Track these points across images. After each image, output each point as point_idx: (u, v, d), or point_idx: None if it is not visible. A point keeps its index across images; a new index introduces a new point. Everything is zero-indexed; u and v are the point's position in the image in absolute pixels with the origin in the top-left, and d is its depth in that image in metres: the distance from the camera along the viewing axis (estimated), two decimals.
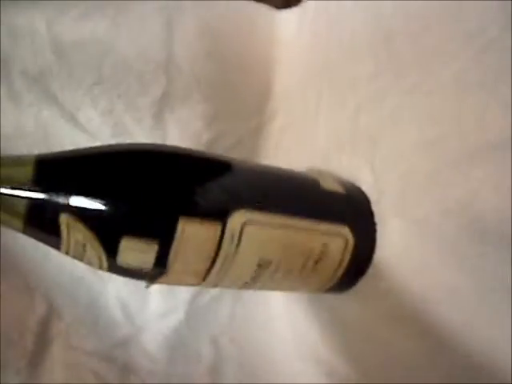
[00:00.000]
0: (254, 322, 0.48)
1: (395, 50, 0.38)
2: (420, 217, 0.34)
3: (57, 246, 0.30)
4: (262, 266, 0.33)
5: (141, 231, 0.29)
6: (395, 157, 0.37)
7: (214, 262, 0.31)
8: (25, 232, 0.29)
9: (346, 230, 0.36)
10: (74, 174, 0.30)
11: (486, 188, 0.30)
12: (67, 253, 0.30)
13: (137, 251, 0.29)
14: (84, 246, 0.29)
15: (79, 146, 0.47)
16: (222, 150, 0.51)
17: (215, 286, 0.34)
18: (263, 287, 0.37)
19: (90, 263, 0.30)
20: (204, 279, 0.32)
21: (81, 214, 0.28)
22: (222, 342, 0.49)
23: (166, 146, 0.35)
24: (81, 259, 0.30)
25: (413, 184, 0.35)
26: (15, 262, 0.48)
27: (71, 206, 0.28)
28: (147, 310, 0.50)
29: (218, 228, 0.31)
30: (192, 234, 0.30)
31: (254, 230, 0.32)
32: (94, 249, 0.29)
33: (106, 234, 0.29)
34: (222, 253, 0.31)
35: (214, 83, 0.50)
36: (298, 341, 0.44)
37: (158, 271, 0.31)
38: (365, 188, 0.39)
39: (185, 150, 0.33)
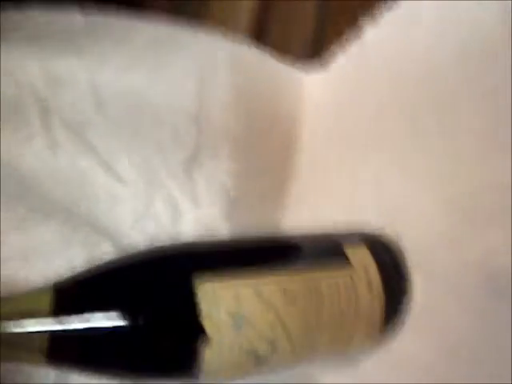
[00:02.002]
0: None
1: (420, 124, 0.40)
2: (438, 273, 0.35)
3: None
4: None
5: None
6: (416, 215, 0.39)
7: None
8: (49, 365, 0.29)
9: None
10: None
11: (500, 247, 0.31)
12: None
13: None
14: None
15: (113, 196, 0.49)
16: (248, 205, 0.53)
17: None
18: None
19: None
20: None
21: None
22: None
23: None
24: None
25: (433, 242, 0.37)
26: None
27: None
28: None
29: None
30: None
31: None
32: None
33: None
34: None
35: (242, 141, 0.52)
36: None
37: None
38: None
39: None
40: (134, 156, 0.49)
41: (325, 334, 0.34)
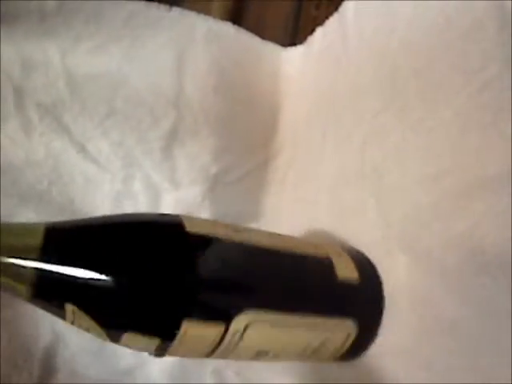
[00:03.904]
0: None
1: (399, 87, 0.39)
2: (423, 250, 0.35)
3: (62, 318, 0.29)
4: (260, 353, 0.34)
5: (144, 329, 0.29)
6: (399, 191, 0.38)
7: (213, 352, 0.32)
8: (32, 302, 0.28)
9: (350, 324, 0.36)
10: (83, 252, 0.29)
11: (485, 221, 0.30)
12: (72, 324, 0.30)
13: (138, 342, 0.30)
14: (88, 329, 0.29)
15: (88, 177, 0.48)
16: (229, 183, 0.52)
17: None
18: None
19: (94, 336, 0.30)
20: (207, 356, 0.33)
21: (86, 306, 0.28)
22: (226, 375, 0.49)
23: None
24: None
25: (416, 217, 0.36)
26: None
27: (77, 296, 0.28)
28: None
29: (221, 328, 0.30)
30: (195, 335, 0.30)
31: (257, 330, 0.32)
32: (98, 333, 0.29)
33: (111, 327, 0.29)
34: (222, 346, 0.31)
35: (223, 118, 0.51)
36: (302, 377, 0.44)
37: (159, 354, 0.31)
38: (370, 221, 0.40)
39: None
40: (109, 136, 0.48)
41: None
